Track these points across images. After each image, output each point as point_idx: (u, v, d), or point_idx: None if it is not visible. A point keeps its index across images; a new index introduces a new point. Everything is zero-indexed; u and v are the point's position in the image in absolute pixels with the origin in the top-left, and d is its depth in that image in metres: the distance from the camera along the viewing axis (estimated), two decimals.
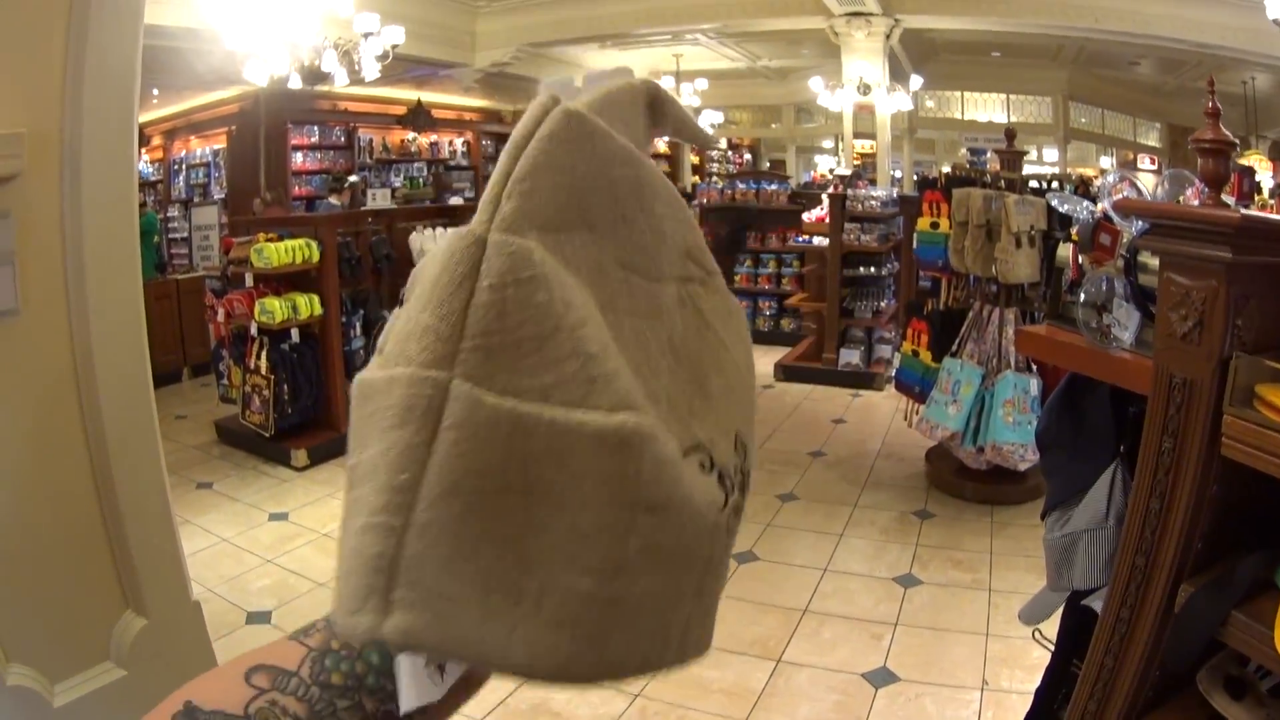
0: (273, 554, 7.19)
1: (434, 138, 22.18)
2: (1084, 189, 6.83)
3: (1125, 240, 2.81)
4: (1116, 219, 2.86)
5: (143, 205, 15.44)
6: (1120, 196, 3.04)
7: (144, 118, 17.16)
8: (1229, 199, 2.33)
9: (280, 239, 9.20)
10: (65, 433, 3.68)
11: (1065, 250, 3.36)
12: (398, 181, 20.67)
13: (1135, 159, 23.94)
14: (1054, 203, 3.89)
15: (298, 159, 19.53)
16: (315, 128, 19.90)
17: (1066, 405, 2.95)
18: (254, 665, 0.79)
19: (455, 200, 16.98)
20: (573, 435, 0.59)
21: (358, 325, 10.00)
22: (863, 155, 22.05)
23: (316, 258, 9.34)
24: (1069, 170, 21.86)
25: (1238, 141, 2.29)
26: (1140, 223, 2.56)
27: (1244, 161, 15.96)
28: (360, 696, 0.80)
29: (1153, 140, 23.87)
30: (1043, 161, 23.99)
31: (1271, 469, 1.96)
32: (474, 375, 0.59)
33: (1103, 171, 23.67)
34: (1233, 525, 2.24)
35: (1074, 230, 3.22)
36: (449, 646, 0.61)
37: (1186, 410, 2.11)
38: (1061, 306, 3.10)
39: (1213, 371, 2.06)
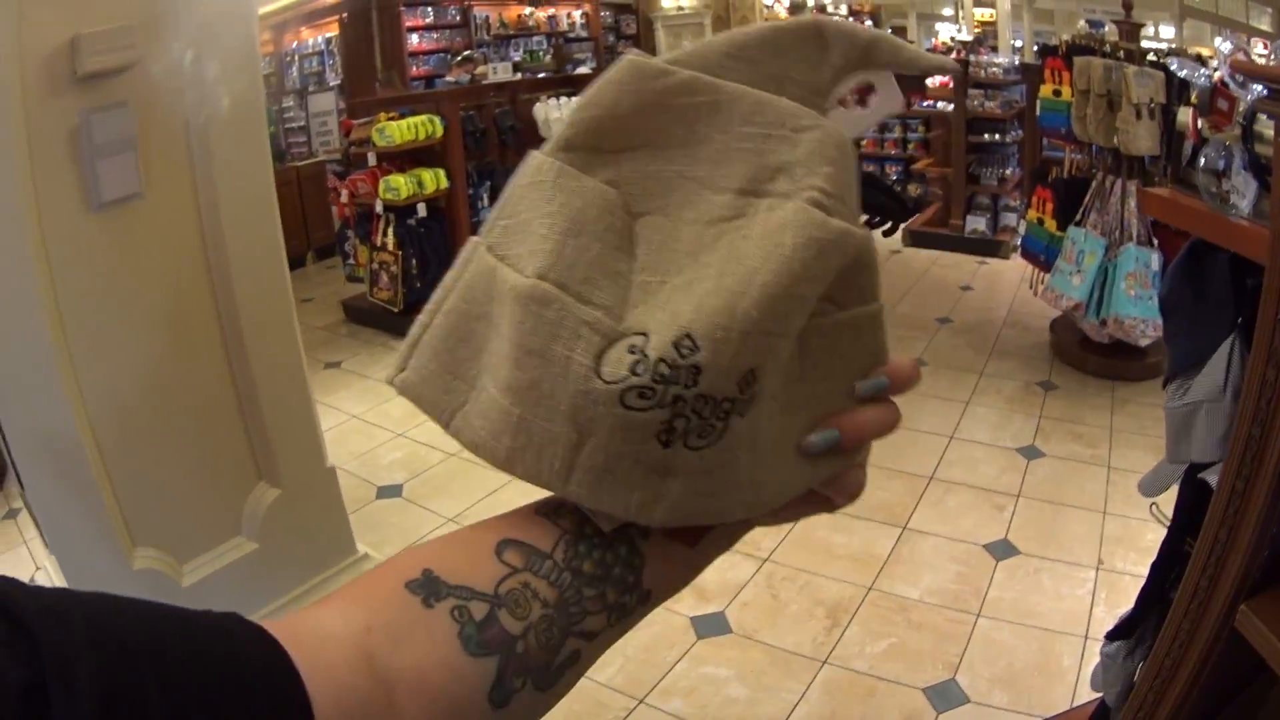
0: (403, 427, 7.32)
1: (551, 11, 22.00)
2: (1203, 64, 6.74)
3: (1242, 107, 2.77)
4: (1233, 85, 2.82)
5: None
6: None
7: None
8: None
9: (401, 117, 9.24)
10: (198, 311, 3.75)
11: (1185, 115, 3.32)
12: (517, 56, 20.58)
13: (1249, 40, 23.47)
14: (1173, 66, 3.84)
15: (413, 40, 19.42)
16: (429, 8, 19.80)
17: (1188, 271, 2.92)
18: (505, 539, 0.77)
19: (583, 69, 16.98)
20: (505, 285, 0.78)
21: (485, 197, 10.03)
22: (983, 24, 21.75)
23: (440, 133, 9.39)
24: (1185, 48, 21.58)
25: None
26: (1261, 88, 2.52)
27: None
28: (605, 587, 0.79)
29: (1264, 24, 23.40)
30: (1159, 39, 23.59)
31: None
32: (491, 242, 0.82)
33: (1217, 52, 23.27)
34: None
35: (1193, 95, 3.18)
36: (423, 403, 0.85)
37: None
38: (1182, 171, 3.07)
39: None
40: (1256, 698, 2.70)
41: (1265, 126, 2.47)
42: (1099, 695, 3.40)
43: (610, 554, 0.80)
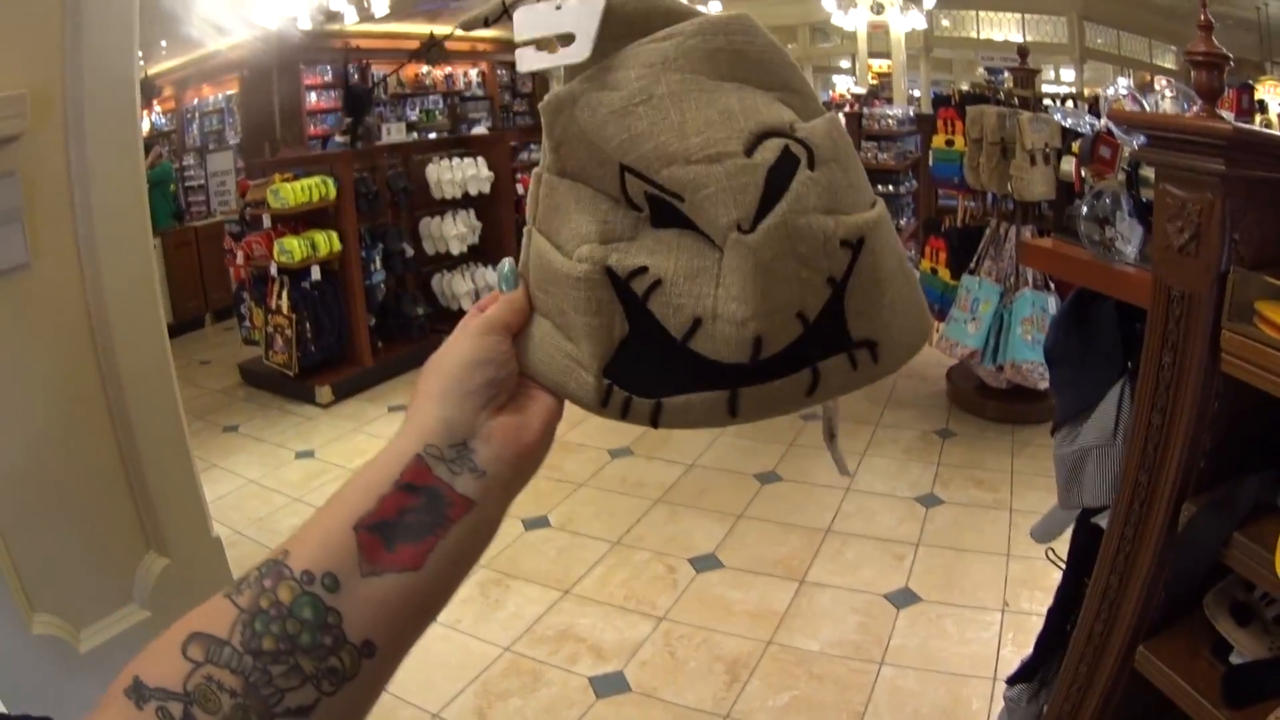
0: (300, 492, 7.27)
1: (448, 70, 22.11)
2: (1095, 107, 6.81)
3: (1126, 154, 2.81)
4: (1117, 132, 2.86)
5: (159, 155, 15.49)
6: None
7: (154, 69, 17.29)
8: (1227, 114, 2.32)
9: (296, 178, 9.25)
10: (82, 380, 3.72)
11: (1068, 164, 3.36)
12: (413, 115, 20.65)
13: (1151, 80, 23.84)
14: (1057, 116, 3.90)
15: (312, 98, 19.50)
16: (328, 66, 19.86)
17: (1074, 320, 2.95)
18: (190, 634, 0.77)
19: (478, 130, 17.07)
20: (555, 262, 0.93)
21: (378, 259, 10.07)
22: (879, 75, 21.96)
23: (333, 195, 9.38)
24: (1085, 90, 21.84)
25: (1230, 55, 2.27)
26: (1141, 136, 2.56)
27: (1262, 87, 15.85)
28: (296, 659, 0.77)
29: (1169, 63, 23.72)
30: (1060, 82, 23.88)
31: (1270, 387, 1.95)
32: (537, 222, 0.98)
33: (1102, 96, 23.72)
34: (1237, 445, 2.24)
35: (1076, 144, 3.22)
36: None
37: (1186, 324, 2.10)
38: (1066, 220, 3.10)
39: (1210, 285, 2.05)
40: None
41: (1149, 172, 2.50)
42: None
43: (291, 622, 0.78)
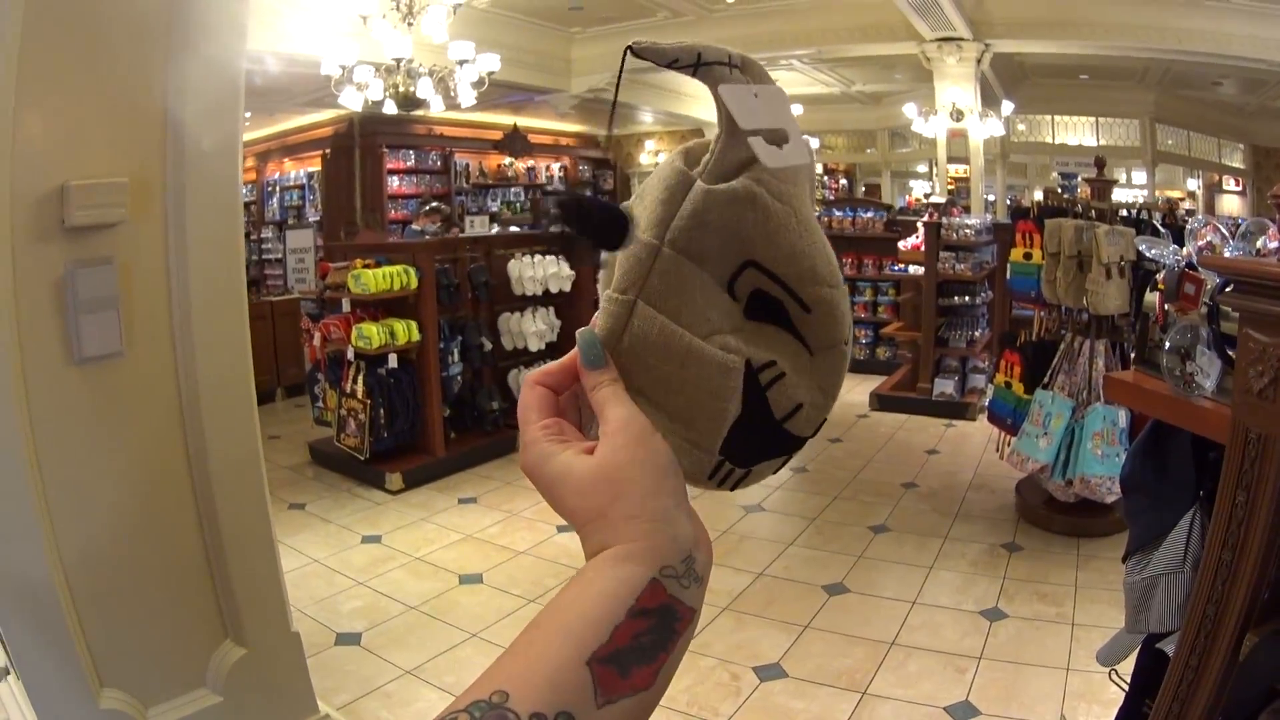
0: (364, 576, 7.28)
1: (530, 163, 22.23)
2: (1170, 213, 6.80)
3: (1209, 288, 2.83)
4: (1202, 270, 2.88)
5: None
6: (1204, 242, 3.07)
7: None
8: None
9: (378, 265, 9.31)
10: (170, 468, 3.77)
11: (1152, 298, 3.38)
12: (495, 206, 20.75)
13: (1220, 180, 23.74)
14: (1141, 248, 3.90)
15: (394, 183, 19.60)
16: (411, 152, 19.96)
17: (1150, 449, 2.97)
18: None
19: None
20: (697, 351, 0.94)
21: (455, 351, 10.07)
22: (956, 180, 21.91)
23: (414, 284, 9.43)
24: (1157, 192, 21.76)
25: None
26: (1224, 278, 2.58)
27: None
28: None
29: (1237, 161, 23.59)
30: (1131, 184, 23.81)
31: None
32: (645, 295, 0.96)
33: (1189, 194, 23.58)
34: None
35: (1160, 278, 3.24)
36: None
37: (1261, 465, 2.13)
38: (1148, 352, 3.12)
39: None
40: None
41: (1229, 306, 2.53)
42: None
43: None
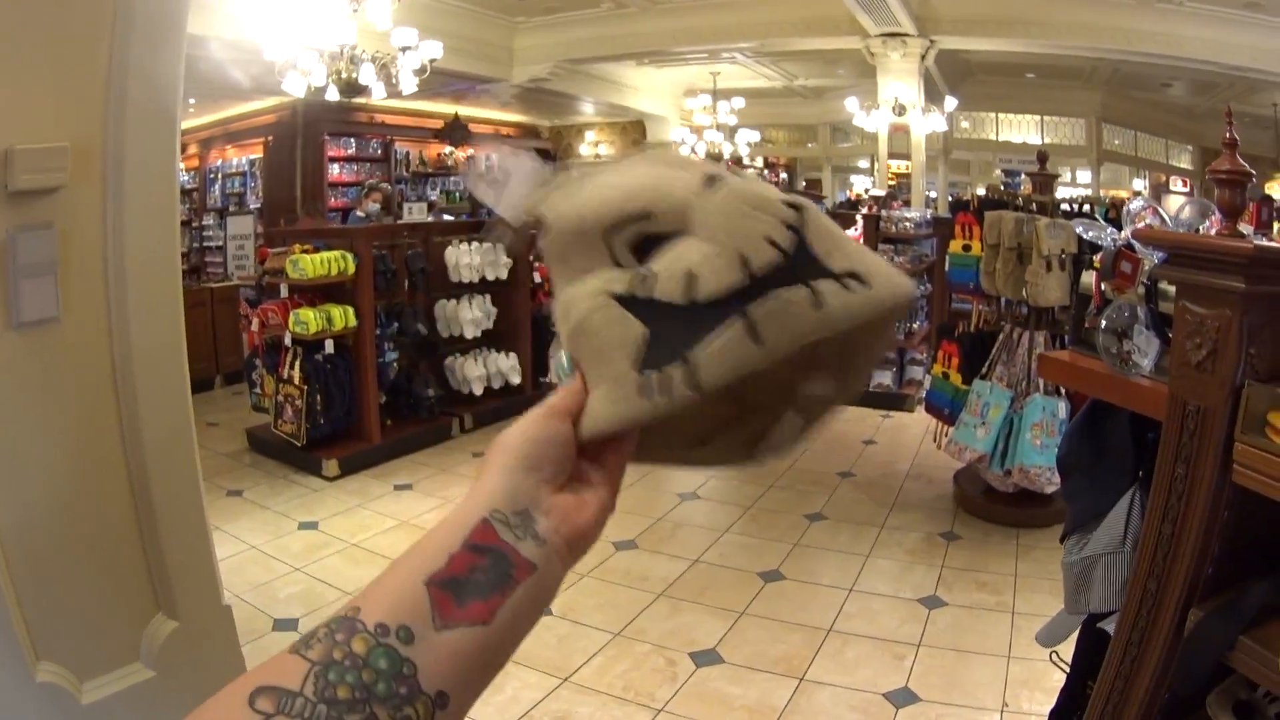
0: (301, 562, 7.24)
1: (471, 151, 22.18)
2: (1115, 212, 6.83)
3: (1146, 268, 2.83)
4: (1138, 247, 2.88)
5: None
6: (1143, 224, 3.06)
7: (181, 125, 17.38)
8: (1247, 228, 2.35)
9: (316, 250, 9.25)
10: (104, 437, 3.74)
11: (1088, 277, 3.37)
12: (434, 194, 20.71)
13: (1167, 181, 23.86)
14: (1079, 230, 3.91)
15: (334, 170, 19.55)
16: (352, 139, 19.96)
17: (1088, 430, 2.97)
18: (257, 688, 0.75)
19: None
20: None
21: (392, 338, 10.03)
22: (898, 175, 21.97)
23: (352, 270, 9.39)
24: (1102, 192, 21.82)
25: (1254, 173, 2.30)
26: (1161, 253, 2.58)
27: (1273, 186, 15.90)
28: (371, 707, 0.77)
29: (1185, 162, 23.74)
30: (1076, 184, 23.90)
31: None
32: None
33: (1135, 194, 23.70)
34: (1243, 551, 2.25)
35: (1097, 258, 3.23)
36: None
37: (1200, 437, 2.12)
38: (1084, 332, 3.12)
39: (1225, 399, 2.07)
40: None
41: (1169, 286, 2.52)
42: None
43: (367, 671, 0.78)
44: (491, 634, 0.87)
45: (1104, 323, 2.78)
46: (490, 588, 0.88)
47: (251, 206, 18.45)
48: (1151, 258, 2.79)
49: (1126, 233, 3.07)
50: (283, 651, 0.79)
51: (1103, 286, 3.07)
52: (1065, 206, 7.69)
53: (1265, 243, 2.24)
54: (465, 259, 10.69)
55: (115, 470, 3.83)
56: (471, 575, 0.88)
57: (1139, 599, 2.31)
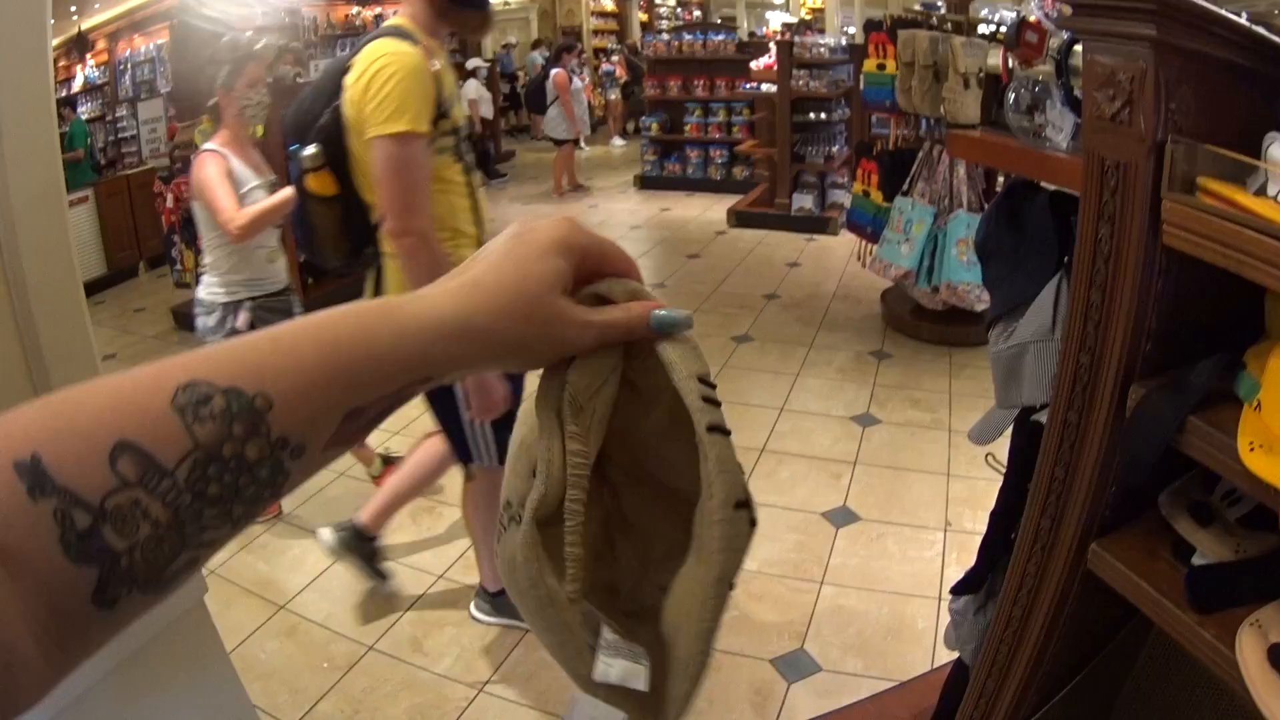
0: None
1: (379, 10, 21.92)
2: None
3: (1053, 44, 2.75)
4: (1044, 20, 2.80)
5: (68, 116, 15.57)
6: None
7: (86, 23, 17.13)
8: None
9: None
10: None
11: (995, 56, 3.29)
12: (345, 54, 20.54)
13: None
14: (984, 11, 3.86)
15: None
16: (258, 9, 19.72)
17: (1006, 213, 2.88)
18: (121, 442, 0.67)
19: None
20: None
21: None
22: (813, 10, 21.89)
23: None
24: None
25: None
26: (1067, 30, 2.50)
27: None
28: (233, 505, 0.72)
29: None
30: (997, 23, 23.88)
31: (1215, 257, 1.87)
32: None
33: None
34: (1184, 334, 2.16)
35: (1001, 30, 3.16)
36: None
37: (1122, 195, 2.02)
38: (994, 113, 3.04)
39: (1147, 154, 1.97)
40: (1130, 643, 2.65)
41: (1079, 60, 2.43)
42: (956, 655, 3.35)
43: (245, 478, 0.72)
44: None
45: (1012, 96, 2.70)
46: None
47: (162, 90, 18.27)
48: (1061, 35, 2.71)
49: (1033, 3, 2.98)
50: (167, 402, 0.69)
51: (1010, 64, 2.99)
52: (983, 28, 7.65)
53: None
54: None
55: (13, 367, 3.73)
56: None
57: (1073, 375, 2.22)
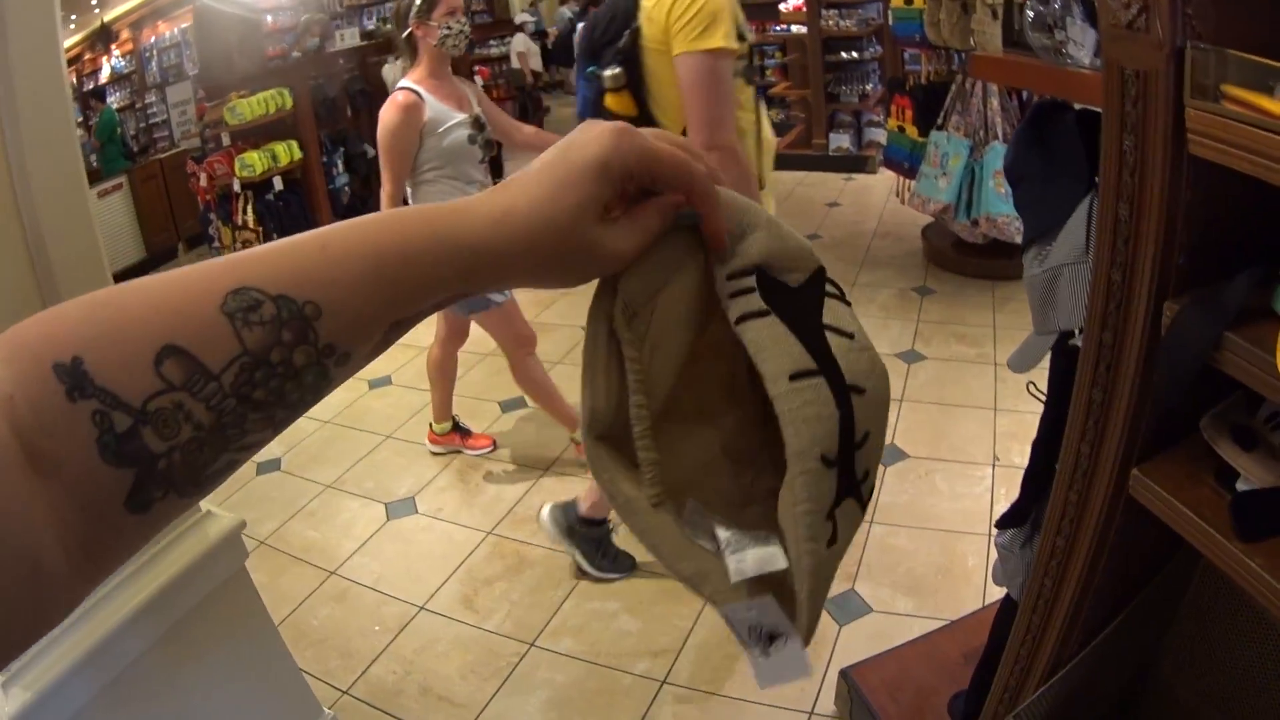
0: None
1: None
2: None
3: None
4: None
5: (97, 107, 15.66)
6: None
7: (109, 15, 17.16)
8: None
9: (252, 93, 9.27)
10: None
11: None
12: (370, 24, 20.49)
13: None
14: None
15: (268, 20, 19.29)
16: None
17: (1034, 136, 2.84)
18: (169, 345, 0.66)
19: None
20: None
21: (339, 163, 10.06)
22: None
23: (290, 104, 9.37)
24: None
25: None
26: None
27: None
28: (276, 410, 0.72)
29: None
30: None
31: (1244, 165, 1.82)
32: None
33: None
34: (1221, 246, 2.11)
35: None
36: None
37: (1144, 104, 1.97)
38: (1016, 35, 2.99)
39: (1166, 61, 1.92)
40: (1178, 574, 2.60)
41: None
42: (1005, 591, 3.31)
43: (291, 383, 0.72)
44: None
45: (1030, 13, 2.65)
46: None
47: (190, 74, 18.30)
48: None
49: None
50: (216, 305, 0.69)
51: None
52: None
53: None
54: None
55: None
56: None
57: (1105, 294, 2.17)
